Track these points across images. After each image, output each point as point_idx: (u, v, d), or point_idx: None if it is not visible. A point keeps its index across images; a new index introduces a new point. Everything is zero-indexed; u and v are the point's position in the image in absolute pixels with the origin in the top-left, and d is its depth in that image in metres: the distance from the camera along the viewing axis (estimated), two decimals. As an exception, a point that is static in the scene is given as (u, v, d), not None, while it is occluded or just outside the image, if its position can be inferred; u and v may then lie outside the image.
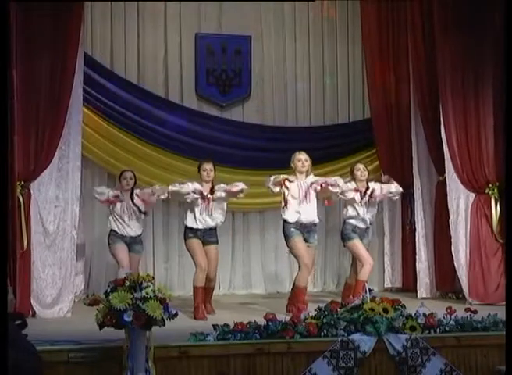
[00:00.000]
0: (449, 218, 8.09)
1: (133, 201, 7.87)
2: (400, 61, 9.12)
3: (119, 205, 7.84)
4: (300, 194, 7.31)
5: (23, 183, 6.92)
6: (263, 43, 9.77)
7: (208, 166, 7.47)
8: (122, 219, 7.83)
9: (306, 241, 7.29)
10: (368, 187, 7.72)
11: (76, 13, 7.22)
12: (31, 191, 7.00)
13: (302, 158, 7.46)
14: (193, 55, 9.51)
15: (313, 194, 7.36)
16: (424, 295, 8.44)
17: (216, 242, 7.48)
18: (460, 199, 8.03)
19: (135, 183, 7.97)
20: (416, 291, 8.60)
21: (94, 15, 9.07)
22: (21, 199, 6.88)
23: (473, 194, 8.01)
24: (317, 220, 7.40)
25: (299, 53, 9.89)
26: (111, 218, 7.88)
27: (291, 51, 9.85)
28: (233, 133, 9.50)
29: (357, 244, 7.60)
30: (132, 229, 7.89)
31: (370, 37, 9.27)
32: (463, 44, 7.99)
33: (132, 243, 7.89)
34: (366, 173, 7.79)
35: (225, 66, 9.61)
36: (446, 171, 8.11)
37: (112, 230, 7.85)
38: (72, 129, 7.26)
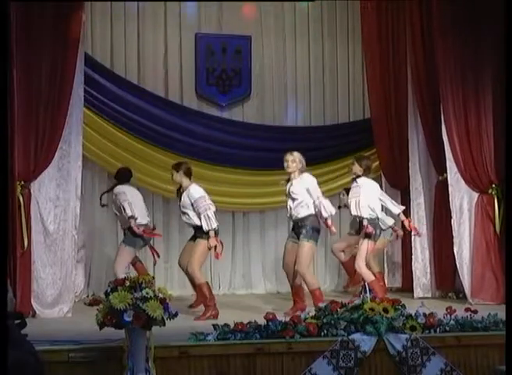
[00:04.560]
0: (449, 218, 8.08)
1: None
2: (399, 61, 9.11)
3: None
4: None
5: (23, 183, 6.90)
6: (263, 43, 9.76)
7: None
8: None
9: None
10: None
11: (76, 13, 7.22)
12: (31, 191, 6.98)
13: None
14: (193, 55, 9.51)
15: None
16: (420, 295, 8.42)
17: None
18: (464, 199, 8.00)
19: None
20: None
21: (94, 15, 9.07)
22: (21, 199, 6.85)
23: (476, 194, 7.97)
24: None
25: (299, 53, 9.88)
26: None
27: (291, 51, 9.84)
28: (233, 133, 9.49)
29: None
30: None
31: (370, 38, 9.27)
32: (463, 42, 7.98)
33: None
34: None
35: (225, 66, 9.60)
36: (448, 171, 8.06)
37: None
38: (72, 128, 7.24)
